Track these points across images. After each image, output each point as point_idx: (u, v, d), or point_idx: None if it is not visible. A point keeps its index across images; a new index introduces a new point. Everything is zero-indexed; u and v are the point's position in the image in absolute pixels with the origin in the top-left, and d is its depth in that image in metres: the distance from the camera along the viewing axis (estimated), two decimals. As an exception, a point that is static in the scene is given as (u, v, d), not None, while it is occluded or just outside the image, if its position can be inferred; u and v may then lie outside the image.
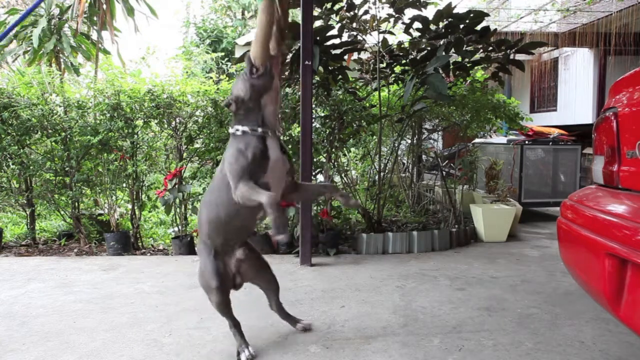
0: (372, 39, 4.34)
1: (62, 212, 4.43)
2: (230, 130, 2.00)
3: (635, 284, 1.33)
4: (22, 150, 4.17)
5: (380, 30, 4.27)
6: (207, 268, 2.05)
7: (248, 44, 8.07)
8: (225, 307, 2.10)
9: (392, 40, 4.56)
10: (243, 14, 16.73)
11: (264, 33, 2.00)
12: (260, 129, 1.94)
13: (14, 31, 6.16)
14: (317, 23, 4.02)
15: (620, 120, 1.60)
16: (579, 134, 6.40)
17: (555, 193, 5.58)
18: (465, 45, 3.85)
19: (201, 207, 2.08)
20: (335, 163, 4.46)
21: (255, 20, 16.51)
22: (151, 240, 4.68)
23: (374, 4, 4.15)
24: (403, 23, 4.13)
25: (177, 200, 4.16)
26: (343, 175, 4.62)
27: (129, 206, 4.40)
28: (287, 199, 2.17)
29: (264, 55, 1.99)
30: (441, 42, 3.92)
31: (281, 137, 2.07)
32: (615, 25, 7.44)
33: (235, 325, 2.13)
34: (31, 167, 4.16)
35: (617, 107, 1.63)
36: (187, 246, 4.04)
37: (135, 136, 4.22)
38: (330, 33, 3.95)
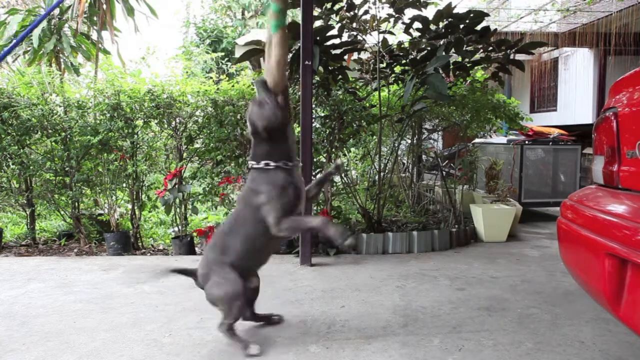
0: (372, 39, 4.34)
1: (62, 212, 4.43)
2: (256, 165, 2.04)
3: (635, 284, 1.33)
4: (22, 150, 4.17)
5: (380, 30, 4.27)
6: (235, 285, 2.06)
7: (248, 43, 8.07)
8: (237, 315, 2.13)
9: (392, 40, 4.56)
10: (243, 14, 16.73)
11: (282, 65, 2.05)
12: (290, 163, 2.06)
13: (13, 31, 6.17)
14: (317, 23, 4.02)
15: (620, 120, 1.61)
16: (579, 134, 6.40)
17: (555, 193, 5.58)
18: (465, 45, 3.85)
19: (233, 234, 2.12)
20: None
21: (255, 20, 16.54)
22: (151, 240, 4.69)
23: (374, 4, 4.15)
24: (403, 23, 4.12)
25: (177, 200, 4.16)
26: (343, 175, 4.62)
27: (129, 206, 4.40)
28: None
29: (283, 86, 2.06)
30: (441, 42, 3.92)
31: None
32: (615, 25, 7.44)
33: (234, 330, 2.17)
34: (31, 167, 4.16)
35: (617, 107, 1.63)
36: (187, 246, 4.04)
37: (135, 136, 4.22)
38: (330, 33, 3.94)
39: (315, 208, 4.06)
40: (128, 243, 4.15)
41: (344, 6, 4.12)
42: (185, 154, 4.34)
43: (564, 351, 2.13)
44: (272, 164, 2.02)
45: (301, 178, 2.15)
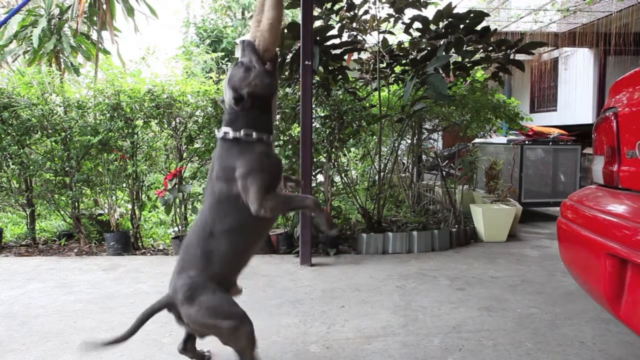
0: (372, 39, 4.34)
1: (62, 212, 4.43)
2: (233, 134, 1.71)
3: (635, 284, 1.33)
4: (22, 150, 4.17)
5: (380, 30, 4.27)
6: (224, 299, 1.70)
7: (248, 44, 8.04)
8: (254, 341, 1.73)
9: (392, 40, 4.56)
10: (243, 14, 16.74)
11: (276, 30, 1.77)
12: (271, 137, 1.77)
13: (13, 31, 6.17)
14: (317, 23, 4.02)
15: (620, 120, 1.61)
16: (579, 134, 6.40)
17: (555, 193, 5.58)
18: (465, 45, 3.85)
19: (214, 236, 1.71)
20: (335, 163, 4.46)
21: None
22: (151, 240, 4.68)
23: (374, 4, 4.15)
24: (403, 23, 4.12)
25: (177, 200, 4.15)
26: (343, 175, 4.62)
27: (129, 206, 4.40)
28: None
29: (273, 53, 1.79)
30: (441, 42, 3.92)
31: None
32: (615, 25, 7.43)
33: None
34: (31, 167, 4.16)
35: (617, 107, 1.63)
36: (187, 246, 4.03)
37: (135, 136, 4.22)
38: (330, 33, 3.94)
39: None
40: (128, 243, 4.15)
41: (344, 6, 4.12)
42: (185, 154, 4.34)
43: (564, 351, 2.13)
44: (255, 134, 1.70)
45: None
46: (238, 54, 1.80)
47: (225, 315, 1.68)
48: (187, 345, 1.98)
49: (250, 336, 1.71)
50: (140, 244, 4.37)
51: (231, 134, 1.71)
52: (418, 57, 4.04)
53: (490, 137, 5.84)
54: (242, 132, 1.70)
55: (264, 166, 1.70)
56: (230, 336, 1.70)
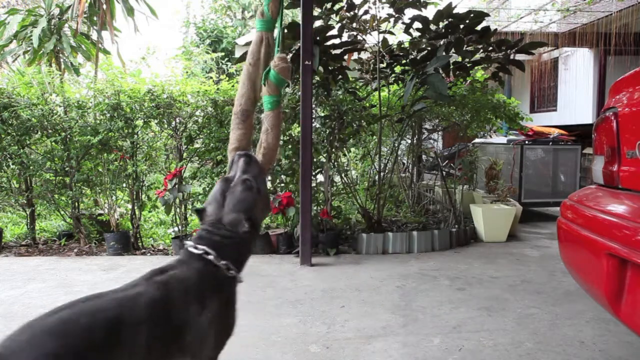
0: (372, 39, 4.34)
1: (62, 212, 4.43)
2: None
3: (635, 284, 1.33)
4: (22, 150, 4.17)
5: (380, 30, 4.27)
6: None
7: (248, 44, 8.06)
8: None
9: (392, 40, 4.56)
10: (243, 14, 16.74)
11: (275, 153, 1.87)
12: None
13: (13, 31, 6.17)
14: (317, 23, 4.02)
15: (620, 120, 1.61)
16: (579, 134, 6.40)
17: (555, 193, 5.58)
18: (465, 45, 3.85)
19: None
20: (335, 163, 4.46)
21: (255, 20, 16.52)
22: (151, 240, 4.68)
23: (374, 4, 4.14)
24: (403, 23, 4.12)
25: (177, 200, 4.15)
26: (343, 175, 4.62)
27: (129, 206, 4.40)
28: None
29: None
30: (441, 42, 3.92)
31: None
32: (615, 25, 7.43)
33: None
34: (31, 167, 4.16)
35: (617, 107, 1.63)
36: (187, 246, 4.03)
37: (135, 136, 4.22)
38: (330, 33, 3.95)
39: (315, 208, 4.06)
40: (128, 243, 4.15)
41: (344, 6, 4.12)
42: (185, 154, 4.34)
43: (564, 351, 2.13)
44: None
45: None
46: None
47: None
48: None
49: None
50: (140, 244, 4.37)
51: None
52: (418, 57, 4.04)
53: (490, 137, 5.84)
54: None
55: None
56: None
